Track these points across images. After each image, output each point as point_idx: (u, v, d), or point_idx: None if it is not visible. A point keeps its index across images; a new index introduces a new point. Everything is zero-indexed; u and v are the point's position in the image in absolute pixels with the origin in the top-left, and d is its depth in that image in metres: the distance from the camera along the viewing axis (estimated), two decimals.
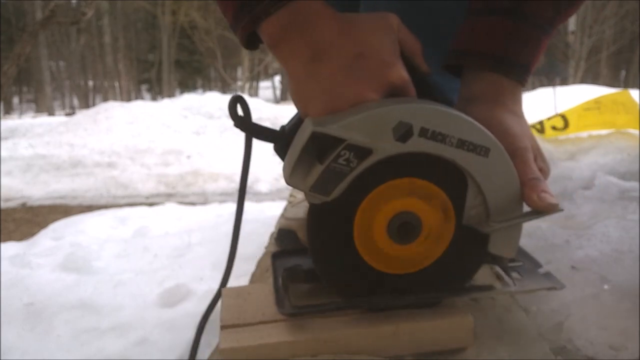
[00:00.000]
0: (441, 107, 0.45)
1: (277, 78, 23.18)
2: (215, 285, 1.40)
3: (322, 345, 0.48)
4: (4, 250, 1.91)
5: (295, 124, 0.50)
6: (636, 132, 1.89)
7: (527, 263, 0.58)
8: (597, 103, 2.13)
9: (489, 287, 0.53)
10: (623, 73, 19.49)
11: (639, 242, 0.77)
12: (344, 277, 0.50)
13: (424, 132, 0.44)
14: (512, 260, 0.54)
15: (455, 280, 0.51)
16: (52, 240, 2.11)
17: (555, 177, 1.25)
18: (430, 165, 0.46)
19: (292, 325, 0.50)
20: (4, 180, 4.67)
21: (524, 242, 0.82)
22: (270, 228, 1.13)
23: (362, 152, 0.44)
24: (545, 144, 1.66)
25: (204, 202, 3.56)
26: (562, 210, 0.50)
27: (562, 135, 2.02)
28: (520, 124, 0.55)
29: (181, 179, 4.82)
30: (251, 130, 0.52)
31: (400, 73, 0.47)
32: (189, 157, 5.42)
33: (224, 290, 0.59)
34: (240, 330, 0.50)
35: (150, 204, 3.16)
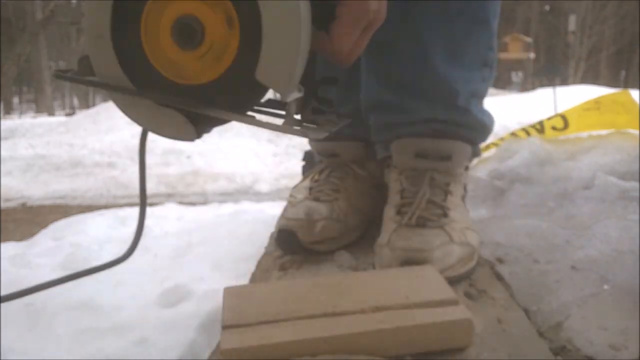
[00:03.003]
0: None
1: None
2: (215, 285, 1.40)
3: (322, 345, 0.48)
4: (4, 250, 1.91)
5: None
6: (636, 132, 1.89)
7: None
8: (597, 103, 2.13)
9: (274, 107, 0.53)
10: (623, 73, 19.49)
11: (639, 242, 0.77)
12: (137, 74, 0.50)
13: None
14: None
15: (243, 99, 0.50)
16: (52, 240, 2.11)
17: (555, 177, 1.25)
18: None
19: (293, 325, 0.50)
20: (4, 180, 4.67)
21: (524, 241, 0.82)
22: (270, 228, 1.12)
23: None
24: (545, 144, 1.66)
25: (204, 202, 3.56)
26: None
27: (562, 135, 2.02)
28: None
29: (181, 179, 4.82)
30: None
31: None
32: (189, 157, 5.42)
33: (225, 290, 0.59)
34: (241, 330, 0.50)
35: (150, 204, 3.15)
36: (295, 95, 0.51)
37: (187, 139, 0.52)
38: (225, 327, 0.51)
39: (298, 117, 0.53)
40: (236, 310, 0.54)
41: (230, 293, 0.58)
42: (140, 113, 0.52)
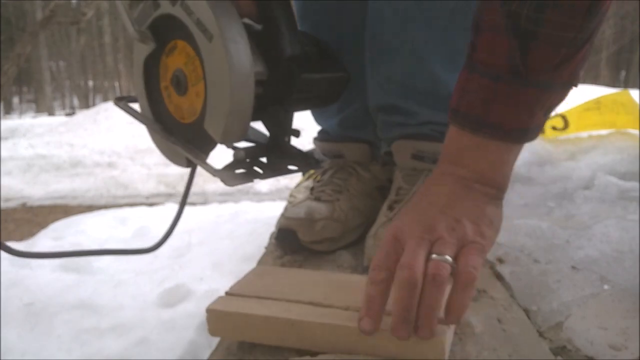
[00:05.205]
0: None
1: None
2: (215, 285, 1.40)
3: (289, 328, 0.49)
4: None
5: None
6: (636, 132, 1.89)
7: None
8: (597, 103, 2.12)
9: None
10: (623, 73, 19.48)
11: (639, 242, 0.77)
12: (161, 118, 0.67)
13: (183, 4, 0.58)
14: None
15: (202, 142, 0.62)
16: (52, 240, 2.11)
17: (555, 177, 1.25)
18: (187, 32, 0.58)
19: (278, 305, 0.52)
20: (4, 180, 4.67)
21: (524, 241, 0.82)
22: (270, 228, 1.13)
23: (155, 4, 0.61)
24: (545, 144, 1.66)
25: (204, 202, 3.56)
26: None
27: (562, 135, 2.02)
28: (431, 195, 0.51)
29: (181, 179, 4.82)
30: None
31: None
32: None
33: (254, 268, 0.64)
34: (235, 298, 0.54)
35: (150, 204, 3.16)
36: (244, 144, 0.62)
37: (179, 164, 0.67)
38: (226, 294, 0.55)
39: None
40: (245, 284, 0.58)
41: (255, 271, 0.62)
42: (158, 144, 0.69)
